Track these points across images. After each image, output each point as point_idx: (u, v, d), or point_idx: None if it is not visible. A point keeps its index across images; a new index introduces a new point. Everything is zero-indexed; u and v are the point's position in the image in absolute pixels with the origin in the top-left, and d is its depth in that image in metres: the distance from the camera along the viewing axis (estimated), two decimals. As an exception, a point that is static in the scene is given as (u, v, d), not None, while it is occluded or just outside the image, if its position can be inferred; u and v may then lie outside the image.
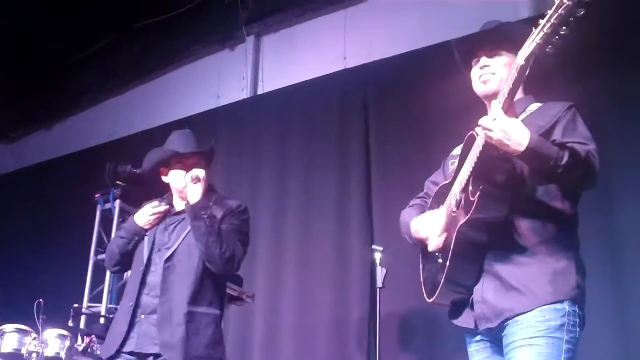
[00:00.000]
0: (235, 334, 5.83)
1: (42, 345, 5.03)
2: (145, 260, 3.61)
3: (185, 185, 3.68)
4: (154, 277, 3.56)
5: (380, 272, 4.32)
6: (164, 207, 3.80)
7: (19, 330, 5.09)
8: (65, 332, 5.25)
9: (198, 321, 3.47)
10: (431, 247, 2.71)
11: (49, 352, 5.10)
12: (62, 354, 5.15)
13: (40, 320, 5.02)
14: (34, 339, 5.02)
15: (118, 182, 7.08)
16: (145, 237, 3.71)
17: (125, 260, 3.80)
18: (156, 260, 3.61)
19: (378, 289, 4.33)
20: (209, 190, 3.76)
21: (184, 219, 3.70)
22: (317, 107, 6.39)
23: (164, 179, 3.86)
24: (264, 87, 7.21)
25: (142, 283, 3.56)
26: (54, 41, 7.75)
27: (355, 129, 6.02)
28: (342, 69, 6.47)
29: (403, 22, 6.24)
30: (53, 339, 5.16)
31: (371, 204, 5.66)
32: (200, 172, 3.66)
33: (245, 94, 7.23)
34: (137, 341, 3.45)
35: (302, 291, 5.78)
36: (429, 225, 2.75)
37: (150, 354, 3.44)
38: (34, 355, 4.96)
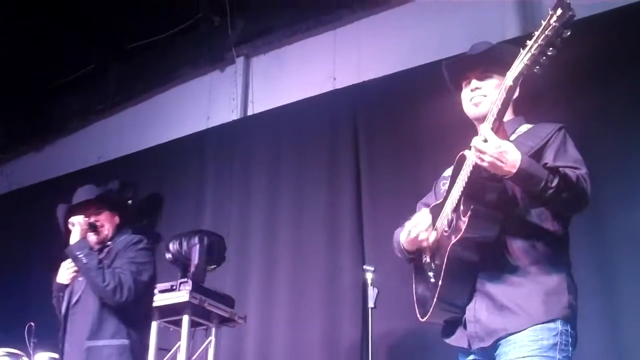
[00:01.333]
0: (227, 355, 5.79)
1: (33, 369, 5.02)
2: (64, 311, 3.88)
3: (84, 235, 3.92)
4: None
5: (372, 292, 4.31)
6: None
7: (10, 354, 5.08)
8: (56, 356, 5.22)
9: (98, 354, 3.66)
10: (422, 241, 2.72)
11: (40, 376, 5.09)
12: (53, 378, 5.14)
13: (31, 343, 5.01)
14: (25, 363, 5.00)
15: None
16: (65, 291, 3.98)
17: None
18: (69, 309, 3.88)
19: (370, 309, 4.32)
20: (117, 229, 4.07)
21: None
22: (307, 128, 6.41)
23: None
24: (254, 108, 7.23)
25: (64, 332, 3.84)
26: (42, 63, 7.75)
27: (345, 149, 6.04)
28: (331, 90, 6.50)
29: (392, 43, 6.28)
30: (44, 362, 5.15)
31: (362, 224, 5.67)
32: (73, 219, 3.90)
33: (235, 115, 7.24)
34: None
35: (294, 312, 5.76)
36: (414, 225, 2.75)
37: None
38: (25, 379, 4.95)
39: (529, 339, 2.42)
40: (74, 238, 3.86)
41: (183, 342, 4.64)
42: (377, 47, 6.40)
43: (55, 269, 4.07)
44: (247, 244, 6.32)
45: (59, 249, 4.07)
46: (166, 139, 7.61)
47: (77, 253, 3.78)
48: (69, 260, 3.96)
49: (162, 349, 4.81)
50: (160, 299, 4.61)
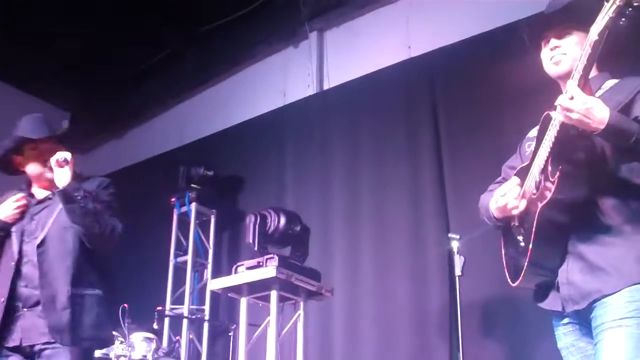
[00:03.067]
0: (316, 328, 5.85)
1: (130, 349, 5.16)
2: (16, 254, 3.50)
3: (44, 171, 3.62)
4: (29, 268, 3.47)
5: (458, 260, 4.30)
6: (25, 199, 3.67)
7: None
8: (150, 335, 5.38)
9: (82, 303, 3.43)
10: (512, 209, 2.67)
11: (136, 355, 5.25)
12: (149, 357, 5.29)
13: (126, 324, 5.14)
14: (122, 343, 5.15)
15: (192, 185, 7.22)
16: (12, 232, 3.58)
17: None
18: (28, 251, 3.51)
19: (457, 277, 4.30)
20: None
21: (47, 205, 3.63)
22: (384, 98, 6.37)
23: (26, 168, 3.72)
24: (329, 82, 7.21)
25: (17, 276, 3.46)
26: (119, 51, 7.89)
27: (423, 118, 5.98)
28: (407, 59, 6.43)
29: (466, 7, 6.16)
30: (139, 342, 5.31)
31: (445, 192, 5.62)
32: (67, 155, 3.53)
33: (311, 90, 7.24)
34: (23, 335, 3.37)
35: (381, 282, 5.77)
36: (505, 194, 2.71)
37: (38, 344, 3.35)
38: (122, 359, 5.09)
39: (625, 300, 2.37)
40: (64, 177, 3.49)
41: (272, 317, 4.68)
42: (451, 12, 6.28)
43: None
44: (330, 219, 6.34)
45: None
46: (244, 119, 7.68)
47: (75, 194, 3.45)
48: (17, 195, 3.66)
49: (252, 325, 4.87)
50: (247, 276, 4.67)
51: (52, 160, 3.52)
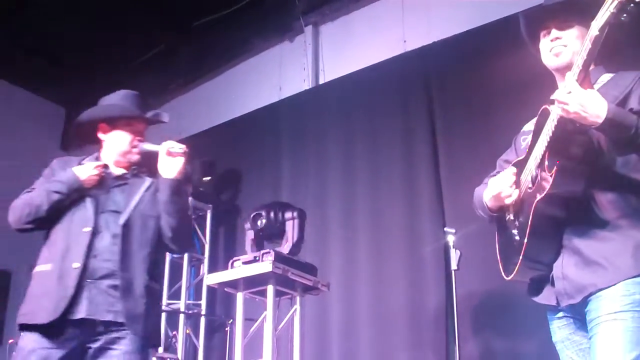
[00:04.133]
0: (312, 323, 5.86)
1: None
2: (92, 222, 3.27)
3: (128, 150, 3.50)
4: (102, 241, 3.26)
5: (454, 255, 4.30)
6: (104, 168, 3.47)
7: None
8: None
9: (153, 296, 3.34)
10: (505, 197, 2.69)
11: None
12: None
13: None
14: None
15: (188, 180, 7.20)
16: (87, 198, 3.35)
17: (48, 218, 3.34)
18: (101, 223, 3.30)
19: (453, 272, 4.31)
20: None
21: (124, 184, 3.48)
22: (379, 93, 6.37)
23: (111, 141, 3.57)
24: (325, 77, 7.21)
25: (90, 245, 3.22)
26: (113, 48, 7.88)
27: (419, 112, 5.99)
28: (402, 53, 6.43)
29: (461, 1, 6.15)
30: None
31: (440, 186, 5.62)
32: (184, 147, 3.46)
33: (307, 85, 7.25)
34: (89, 308, 3.12)
35: (377, 277, 5.77)
36: (499, 182, 2.73)
37: (102, 322, 3.14)
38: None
39: (620, 293, 2.38)
40: (176, 167, 3.42)
41: (269, 312, 4.70)
42: (446, 6, 6.28)
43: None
44: (326, 213, 6.34)
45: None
46: (239, 113, 7.68)
47: (184, 188, 3.36)
48: (97, 162, 3.46)
49: (248, 319, 4.88)
50: (244, 271, 4.68)
51: (165, 147, 3.45)
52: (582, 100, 2.31)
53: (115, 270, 3.19)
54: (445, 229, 4.44)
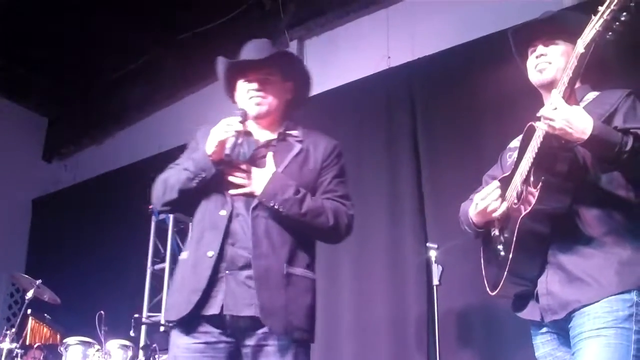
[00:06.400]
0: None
1: (106, 356, 5.14)
2: (229, 205, 2.85)
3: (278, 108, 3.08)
4: (239, 224, 2.83)
5: (436, 270, 4.31)
6: (237, 132, 2.97)
7: (82, 343, 5.20)
8: (127, 343, 5.34)
9: (297, 285, 2.84)
10: (492, 212, 2.70)
11: (112, 362, 5.20)
12: (126, 364, 5.25)
13: (102, 331, 5.11)
14: (97, 350, 5.13)
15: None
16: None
17: (182, 200, 2.96)
18: (241, 205, 2.86)
19: (435, 287, 4.32)
20: (281, 120, 3.09)
21: (266, 155, 2.99)
22: (364, 108, 6.37)
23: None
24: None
25: (226, 231, 2.81)
26: (97, 59, 7.87)
27: (403, 127, 5.98)
28: (386, 68, 6.45)
29: (446, 18, 6.20)
30: (116, 349, 5.27)
31: (423, 201, 5.62)
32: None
33: (291, 98, 7.23)
34: (226, 302, 2.72)
35: (359, 291, 5.75)
36: (484, 195, 2.74)
37: (242, 317, 2.74)
38: (98, 366, 5.05)
39: (603, 310, 2.40)
40: (262, 183, 2.86)
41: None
42: (431, 23, 6.31)
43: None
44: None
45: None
46: (224, 126, 7.66)
47: (273, 203, 2.83)
48: (231, 122, 3.00)
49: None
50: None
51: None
52: (568, 116, 2.33)
53: (251, 259, 2.76)
54: (428, 244, 4.46)
